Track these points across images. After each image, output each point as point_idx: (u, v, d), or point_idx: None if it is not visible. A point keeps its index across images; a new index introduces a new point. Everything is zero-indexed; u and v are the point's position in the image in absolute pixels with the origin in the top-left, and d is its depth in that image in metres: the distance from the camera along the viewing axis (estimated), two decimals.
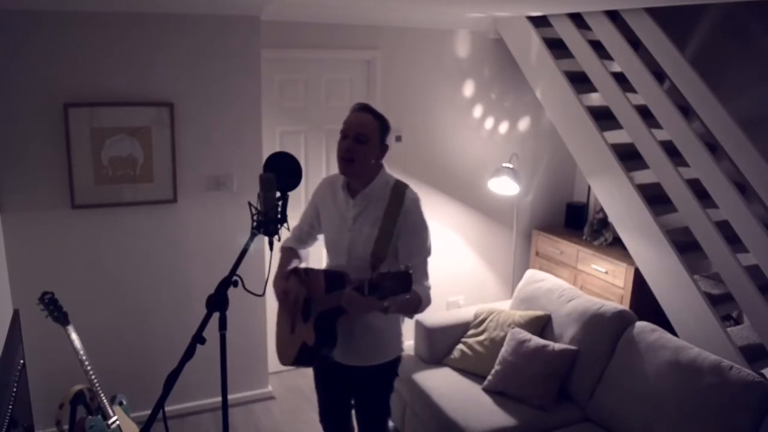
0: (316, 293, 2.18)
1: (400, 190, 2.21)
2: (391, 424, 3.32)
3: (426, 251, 2.22)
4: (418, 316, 3.37)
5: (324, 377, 2.48)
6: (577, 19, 3.56)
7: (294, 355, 2.24)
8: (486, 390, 2.99)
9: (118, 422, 2.67)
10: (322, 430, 2.59)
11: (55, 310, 2.64)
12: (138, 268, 3.32)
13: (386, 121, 2.21)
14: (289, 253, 2.40)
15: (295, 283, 2.23)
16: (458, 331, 3.34)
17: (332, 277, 2.18)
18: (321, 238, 2.46)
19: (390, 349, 2.34)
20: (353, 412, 2.49)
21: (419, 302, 2.10)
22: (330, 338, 2.18)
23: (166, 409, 1.76)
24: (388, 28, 3.87)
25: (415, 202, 2.21)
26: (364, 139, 2.12)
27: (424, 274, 2.19)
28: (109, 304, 3.29)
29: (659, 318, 3.10)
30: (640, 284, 3.52)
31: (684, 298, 3.04)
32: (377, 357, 2.30)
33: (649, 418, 2.59)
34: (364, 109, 2.19)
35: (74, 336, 2.64)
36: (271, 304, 3.23)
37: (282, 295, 2.23)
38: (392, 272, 1.82)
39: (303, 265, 2.38)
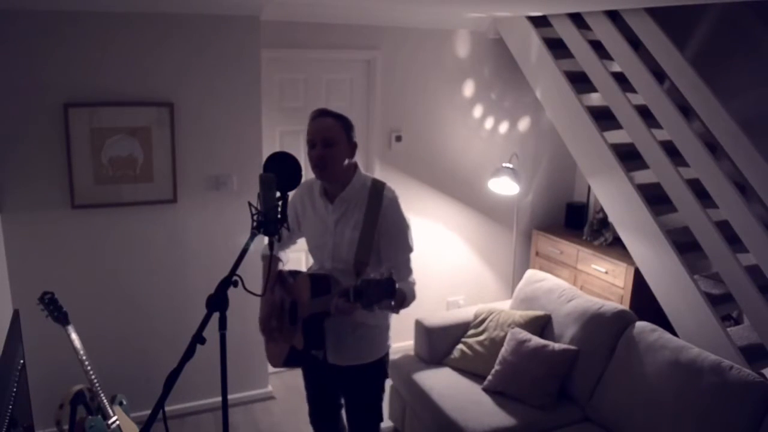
0: (302, 297, 2.21)
1: (377, 190, 2.21)
2: (390, 423, 3.33)
3: (409, 248, 2.23)
4: (417, 316, 3.39)
5: (313, 377, 2.49)
6: (577, 19, 3.56)
7: (284, 357, 2.29)
8: (486, 390, 2.99)
9: (118, 422, 2.67)
10: (312, 431, 2.60)
11: (55, 310, 2.64)
12: (138, 268, 3.32)
13: (347, 119, 2.20)
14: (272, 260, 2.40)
15: (279, 290, 2.27)
16: (458, 331, 3.33)
17: (318, 281, 2.21)
18: (299, 241, 2.49)
19: (380, 346, 2.35)
20: (344, 412, 2.49)
21: (404, 299, 2.11)
22: (318, 340, 2.22)
23: (166, 409, 1.76)
24: (388, 28, 3.87)
25: (394, 201, 2.22)
26: (332, 142, 2.13)
27: (409, 271, 2.22)
28: (109, 304, 3.29)
29: (659, 318, 3.10)
30: (640, 284, 3.52)
31: (684, 298, 3.04)
32: (368, 355, 2.31)
33: (649, 418, 2.59)
34: (322, 114, 2.18)
35: (74, 336, 2.64)
36: None
37: (267, 315, 2.29)
38: (376, 280, 1.86)
39: (286, 269, 2.40)
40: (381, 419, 2.43)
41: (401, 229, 2.21)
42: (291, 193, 2.36)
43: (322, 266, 2.30)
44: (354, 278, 2.08)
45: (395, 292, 1.86)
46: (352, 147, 2.20)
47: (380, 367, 2.36)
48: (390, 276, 1.86)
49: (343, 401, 2.47)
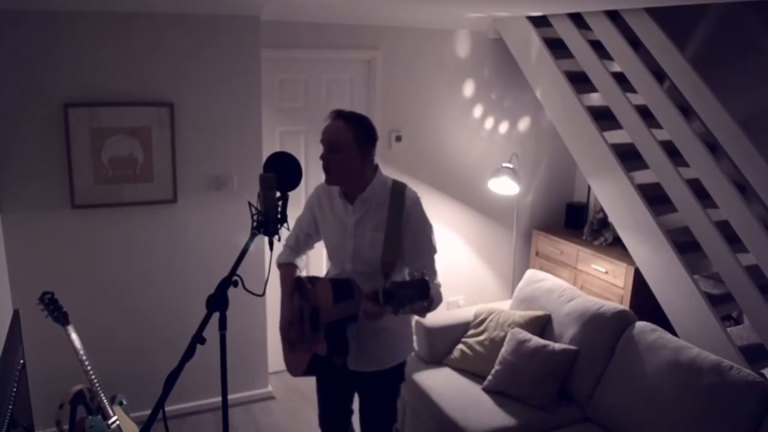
0: (324, 304, 2.16)
1: (399, 190, 2.17)
2: None
3: (433, 249, 2.21)
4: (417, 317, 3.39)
5: (328, 382, 2.44)
6: (577, 19, 3.56)
7: (305, 366, 2.23)
8: (486, 390, 2.99)
9: (118, 422, 2.67)
10: None
11: (55, 310, 2.64)
12: (138, 268, 3.32)
13: (362, 123, 2.12)
14: (288, 269, 2.36)
15: (298, 298, 2.22)
16: (458, 331, 3.33)
17: (339, 286, 2.15)
18: (316, 245, 2.45)
19: (403, 350, 2.32)
20: (357, 417, 2.46)
21: (431, 301, 2.01)
22: (342, 347, 2.16)
23: (166, 409, 1.76)
24: (388, 28, 3.87)
25: (416, 201, 2.19)
26: (337, 147, 2.09)
27: (434, 273, 2.18)
28: (109, 304, 3.29)
29: (659, 318, 3.10)
30: (640, 284, 3.52)
31: (684, 298, 3.04)
32: (390, 360, 2.28)
33: (649, 418, 2.59)
34: (337, 116, 2.13)
35: (74, 336, 2.64)
36: (271, 304, 3.23)
37: (287, 324, 2.23)
38: (408, 281, 1.80)
39: (305, 274, 2.36)
40: (395, 420, 2.41)
41: (425, 230, 2.19)
42: (309, 195, 2.37)
43: (342, 269, 2.25)
44: (376, 280, 2.04)
45: (429, 293, 1.79)
46: (363, 152, 2.12)
47: (400, 371, 2.33)
48: (423, 276, 1.80)
49: (354, 406, 2.44)
